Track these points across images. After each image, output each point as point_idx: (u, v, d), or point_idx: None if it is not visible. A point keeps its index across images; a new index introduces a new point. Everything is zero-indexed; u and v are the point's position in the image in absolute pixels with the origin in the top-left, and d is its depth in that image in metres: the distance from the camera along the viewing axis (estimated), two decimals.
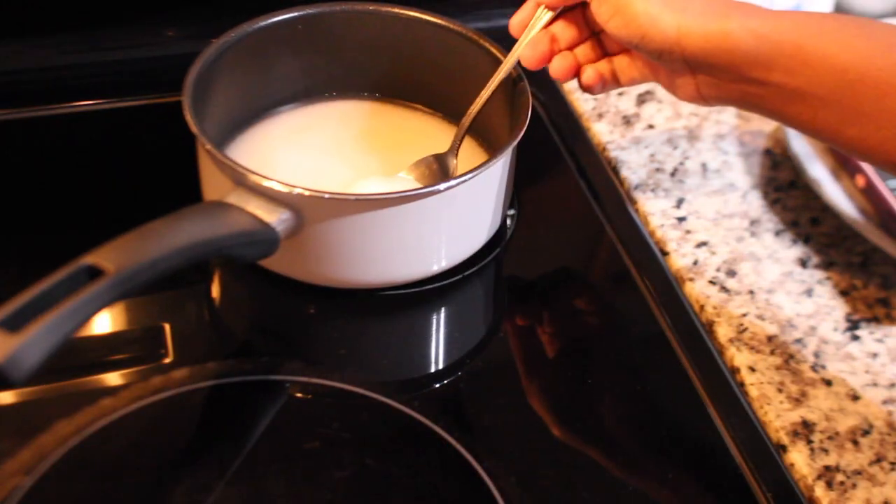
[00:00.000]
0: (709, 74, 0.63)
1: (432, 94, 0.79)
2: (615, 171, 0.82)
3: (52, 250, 0.55)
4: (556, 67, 0.70)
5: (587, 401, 0.66)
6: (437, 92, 0.79)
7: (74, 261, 0.51)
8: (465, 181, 0.65)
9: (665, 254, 0.75)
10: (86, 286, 0.50)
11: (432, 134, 0.79)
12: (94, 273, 0.51)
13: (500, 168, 0.69)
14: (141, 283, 0.53)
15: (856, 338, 0.69)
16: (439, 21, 0.76)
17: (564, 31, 0.70)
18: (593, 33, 0.70)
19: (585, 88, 0.70)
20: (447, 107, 0.79)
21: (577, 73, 0.70)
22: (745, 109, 0.65)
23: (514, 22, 0.70)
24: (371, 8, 0.77)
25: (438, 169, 0.72)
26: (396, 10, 0.76)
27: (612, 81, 0.70)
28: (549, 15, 0.69)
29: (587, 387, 0.67)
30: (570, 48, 0.70)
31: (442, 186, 0.64)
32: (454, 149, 0.72)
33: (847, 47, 0.59)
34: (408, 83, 0.76)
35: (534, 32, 0.69)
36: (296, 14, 0.75)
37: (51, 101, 0.83)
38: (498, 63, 0.71)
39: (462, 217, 0.68)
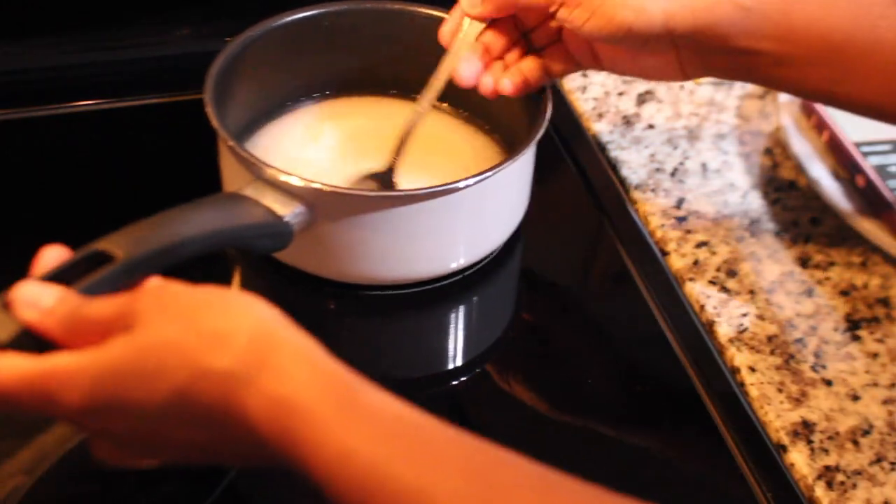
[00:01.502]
0: (695, 51, 0.63)
1: (455, 93, 0.79)
2: (615, 171, 0.82)
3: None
4: (506, 85, 0.68)
5: (587, 401, 0.66)
6: (460, 91, 0.79)
7: (85, 246, 0.52)
8: (483, 179, 0.65)
9: (665, 254, 0.75)
10: (94, 271, 0.50)
11: (453, 132, 0.79)
12: (103, 259, 0.51)
13: (520, 166, 0.69)
14: (152, 271, 0.53)
15: (856, 338, 0.69)
16: None
17: (496, 40, 0.68)
18: (522, 34, 0.69)
19: (510, 94, 0.68)
20: (470, 106, 0.79)
21: (526, 87, 0.68)
22: (732, 79, 0.66)
23: (444, 31, 0.69)
24: (397, 6, 0.77)
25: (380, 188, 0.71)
26: (422, 9, 0.77)
27: (542, 78, 0.69)
28: (478, 27, 0.67)
29: (587, 387, 0.67)
30: (502, 56, 0.69)
31: (461, 184, 0.64)
32: (392, 166, 0.71)
33: (832, 10, 0.60)
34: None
35: (466, 44, 0.67)
36: (322, 10, 0.76)
37: (56, 100, 0.84)
38: None
39: (483, 215, 0.68)
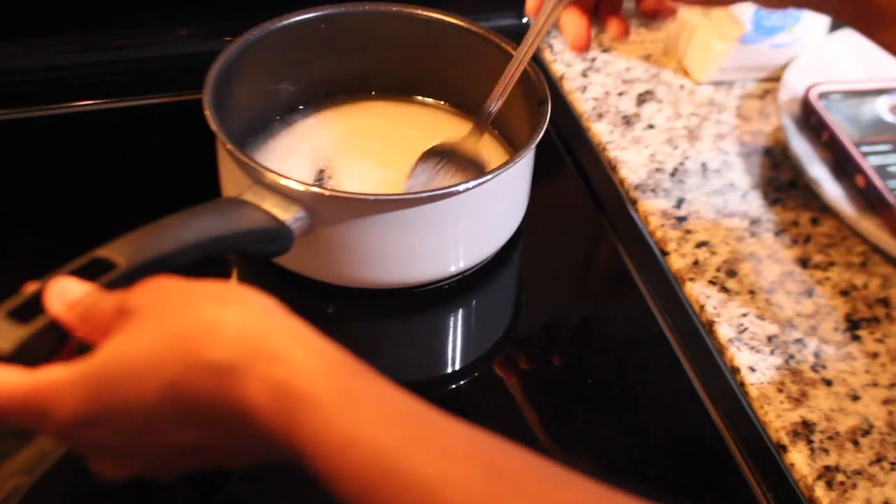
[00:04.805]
0: None
1: (456, 93, 0.79)
2: (615, 171, 0.82)
3: (60, 252, 0.54)
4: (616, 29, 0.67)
5: (587, 401, 0.66)
6: (461, 91, 0.79)
7: (86, 254, 0.51)
8: (484, 183, 0.64)
9: (665, 254, 0.75)
10: (95, 279, 0.50)
11: (453, 131, 0.79)
12: (105, 266, 0.51)
13: (520, 169, 0.69)
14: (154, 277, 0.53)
15: (856, 338, 0.69)
16: (460, 22, 0.76)
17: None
18: None
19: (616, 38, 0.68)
20: (471, 106, 0.79)
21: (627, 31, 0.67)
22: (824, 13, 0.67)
23: (530, 3, 0.68)
24: (395, 9, 0.77)
25: (457, 164, 0.71)
26: (420, 11, 0.77)
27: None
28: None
29: (587, 386, 0.67)
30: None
31: (461, 188, 0.64)
32: (474, 137, 0.71)
33: None
34: (430, 82, 0.76)
35: (553, 14, 0.66)
36: (321, 13, 0.76)
37: (56, 100, 0.84)
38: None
39: (483, 217, 0.68)
